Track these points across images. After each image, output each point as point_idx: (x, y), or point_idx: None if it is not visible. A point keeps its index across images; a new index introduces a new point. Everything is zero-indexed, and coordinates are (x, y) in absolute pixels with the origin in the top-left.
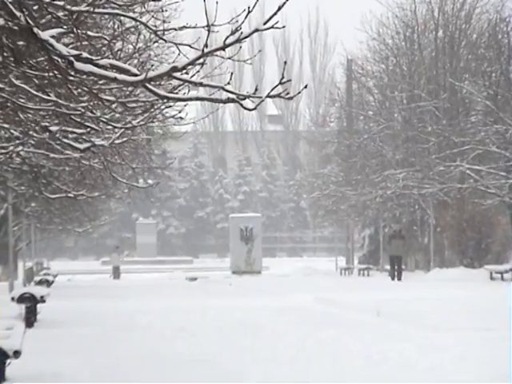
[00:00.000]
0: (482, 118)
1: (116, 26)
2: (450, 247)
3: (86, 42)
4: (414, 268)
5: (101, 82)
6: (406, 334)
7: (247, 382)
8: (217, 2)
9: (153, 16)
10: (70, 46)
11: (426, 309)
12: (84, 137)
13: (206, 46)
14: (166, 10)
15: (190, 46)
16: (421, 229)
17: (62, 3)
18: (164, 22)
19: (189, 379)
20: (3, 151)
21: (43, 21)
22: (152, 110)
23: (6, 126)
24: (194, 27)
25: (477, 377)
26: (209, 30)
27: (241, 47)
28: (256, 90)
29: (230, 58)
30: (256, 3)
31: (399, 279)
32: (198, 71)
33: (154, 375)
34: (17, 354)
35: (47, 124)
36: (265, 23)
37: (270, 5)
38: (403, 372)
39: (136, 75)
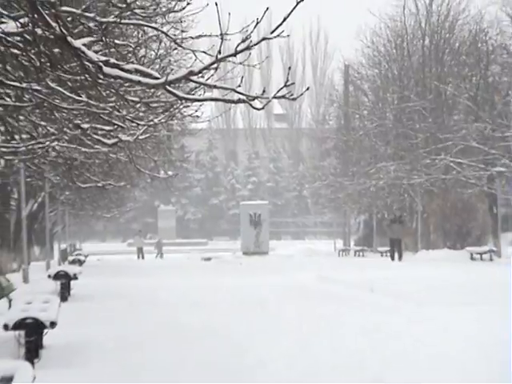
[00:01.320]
0: (463, 117)
1: (140, 35)
2: (435, 231)
3: (113, 49)
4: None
5: (126, 85)
6: (395, 308)
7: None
8: (229, 14)
9: (172, 26)
10: (100, 52)
11: (414, 285)
12: (111, 133)
13: (219, 52)
14: (184, 21)
15: (205, 52)
16: (409, 215)
17: (92, 15)
18: (182, 31)
19: (203, 347)
20: (41, 146)
21: (76, 30)
22: (172, 109)
23: (43, 123)
24: (208, 36)
25: (456, 346)
26: (222, 39)
27: (250, 54)
28: (264, 91)
29: (240, 63)
30: (264, 15)
31: (400, 259)
32: (213, 75)
33: (173, 343)
34: (53, 324)
35: (79, 122)
36: (272, 32)
37: (277, 15)
38: (393, 341)
39: (157, 78)
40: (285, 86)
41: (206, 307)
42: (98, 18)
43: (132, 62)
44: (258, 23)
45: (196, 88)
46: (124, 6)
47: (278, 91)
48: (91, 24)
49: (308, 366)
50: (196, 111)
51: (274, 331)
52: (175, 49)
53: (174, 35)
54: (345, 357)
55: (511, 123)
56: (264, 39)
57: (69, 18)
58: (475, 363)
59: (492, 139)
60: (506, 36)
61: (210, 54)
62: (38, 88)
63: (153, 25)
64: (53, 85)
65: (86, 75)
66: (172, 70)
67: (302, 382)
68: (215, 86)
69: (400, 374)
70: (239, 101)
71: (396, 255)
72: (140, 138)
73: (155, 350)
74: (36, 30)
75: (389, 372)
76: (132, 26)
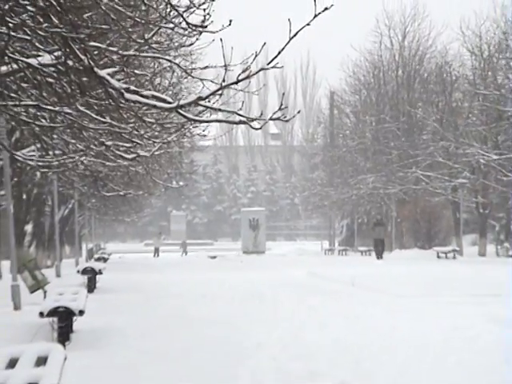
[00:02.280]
0: (431, 136)
1: (156, 66)
2: (407, 234)
3: (133, 78)
4: None
5: (144, 108)
6: (374, 300)
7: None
8: (232, 48)
9: (183, 58)
10: (121, 80)
11: (390, 280)
12: (131, 149)
13: (223, 81)
14: (194, 54)
15: (211, 81)
16: (385, 220)
17: (115, 49)
18: (192, 62)
19: (208, 333)
20: (71, 160)
21: (101, 62)
22: (183, 129)
23: (73, 141)
24: (214, 67)
25: (427, 333)
26: (225, 69)
27: (250, 82)
28: (261, 114)
29: (241, 90)
30: (261, 49)
31: (381, 257)
32: (218, 100)
33: (182, 330)
34: (81, 312)
35: (103, 140)
36: (268, 64)
37: (272, 48)
38: (371, 328)
39: (171, 103)
40: (279, 109)
41: (211, 299)
42: (120, 52)
43: (149, 89)
44: (256, 56)
45: (203, 111)
46: (142, 41)
47: (274, 114)
48: (114, 56)
49: (299, 349)
50: (203, 131)
51: (270, 319)
52: (186, 78)
53: (185, 66)
54: (330, 341)
55: (471, 142)
56: (261, 70)
57: (95, 52)
58: (443, 346)
59: (455, 155)
60: (466, 68)
61: (215, 82)
62: (69, 111)
63: (167, 57)
64: (81, 108)
65: (110, 100)
66: (183, 95)
67: (295, 361)
68: (220, 110)
69: (377, 356)
70: (240, 122)
71: (378, 254)
72: (155, 153)
73: (167, 335)
74: (68, 61)
75: (367, 354)
76: (149, 58)
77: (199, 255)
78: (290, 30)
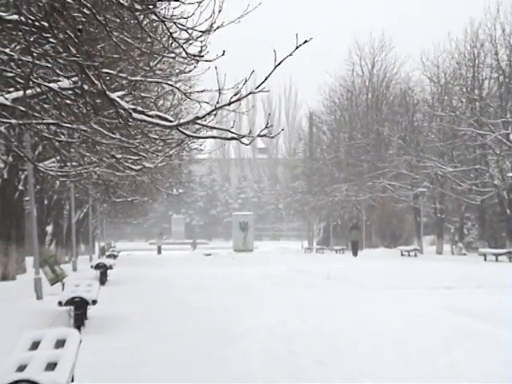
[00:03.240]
0: (396, 151)
1: (159, 90)
2: (375, 235)
3: (139, 100)
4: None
5: (149, 126)
6: (346, 292)
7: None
8: (225, 74)
9: (183, 83)
10: (130, 102)
11: (360, 274)
12: (138, 161)
13: (217, 103)
14: (192, 79)
15: (207, 102)
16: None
17: (124, 75)
18: (190, 87)
19: (204, 319)
20: (86, 171)
21: (112, 86)
22: (182, 144)
23: (87, 154)
24: (209, 90)
25: (392, 319)
26: (219, 93)
27: (240, 103)
28: (250, 131)
29: (233, 111)
30: (250, 75)
31: (356, 255)
32: (212, 119)
33: (181, 316)
34: (94, 302)
35: (114, 153)
36: (256, 88)
37: (260, 74)
38: (344, 315)
39: (172, 122)
40: (265, 127)
41: (206, 289)
42: (128, 77)
43: (153, 110)
44: (246, 82)
45: (200, 129)
46: (148, 68)
47: (261, 131)
48: (124, 81)
49: (283, 333)
50: (200, 146)
51: (257, 307)
52: (185, 100)
53: (185, 90)
54: (309, 326)
55: (430, 156)
56: (250, 93)
57: (107, 77)
58: (405, 330)
59: (416, 168)
60: (426, 93)
61: (210, 104)
62: (85, 128)
63: (169, 82)
64: (95, 126)
65: (120, 119)
66: (182, 115)
67: (279, 344)
68: (214, 128)
69: (349, 339)
70: (232, 138)
71: (354, 253)
72: (159, 165)
73: (169, 320)
74: (83, 86)
75: (341, 337)
76: (153, 83)
77: (195, 253)
78: (275, 60)
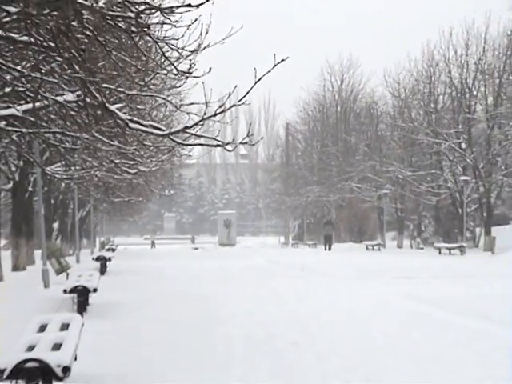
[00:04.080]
0: (362, 157)
1: (153, 102)
2: (344, 231)
3: (135, 111)
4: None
5: (144, 135)
6: (318, 281)
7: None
8: (211, 89)
9: (174, 96)
10: (127, 113)
11: (331, 266)
12: (134, 166)
13: (204, 114)
14: (182, 93)
15: (195, 114)
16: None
17: (122, 89)
18: (180, 100)
19: (192, 305)
20: (88, 174)
21: (112, 99)
22: (173, 150)
23: (89, 159)
24: (197, 103)
25: (359, 306)
26: (206, 105)
27: (225, 115)
28: (233, 139)
29: (218, 121)
30: (234, 90)
31: (330, 249)
32: (200, 128)
33: (173, 303)
34: (95, 290)
35: (113, 158)
36: (239, 101)
37: (242, 88)
38: (317, 302)
39: (164, 131)
40: (247, 136)
41: (195, 279)
42: (126, 91)
43: (148, 120)
44: (229, 95)
45: (189, 137)
46: (143, 83)
47: (243, 139)
48: (121, 95)
49: (261, 318)
50: (189, 152)
51: (239, 295)
52: (176, 111)
53: (175, 102)
54: (284, 313)
55: (392, 162)
56: (233, 106)
57: (107, 92)
58: (372, 315)
59: (380, 172)
60: (388, 106)
61: (198, 115)
62: (87, 136)
63: (161, 96)
64: (96, 134)
65: (118, 128)
66: (173, 125)
67: (258, 327)
68: (201, 136)
69: (321, 323)
70: (217, 145)
71: (327, 246)
72: (152, 169)
73: (161, 306)
74: (86, 99)
75: (314, 321)
76: (148, 97)
77: (185, 247)
78: (256, 76)
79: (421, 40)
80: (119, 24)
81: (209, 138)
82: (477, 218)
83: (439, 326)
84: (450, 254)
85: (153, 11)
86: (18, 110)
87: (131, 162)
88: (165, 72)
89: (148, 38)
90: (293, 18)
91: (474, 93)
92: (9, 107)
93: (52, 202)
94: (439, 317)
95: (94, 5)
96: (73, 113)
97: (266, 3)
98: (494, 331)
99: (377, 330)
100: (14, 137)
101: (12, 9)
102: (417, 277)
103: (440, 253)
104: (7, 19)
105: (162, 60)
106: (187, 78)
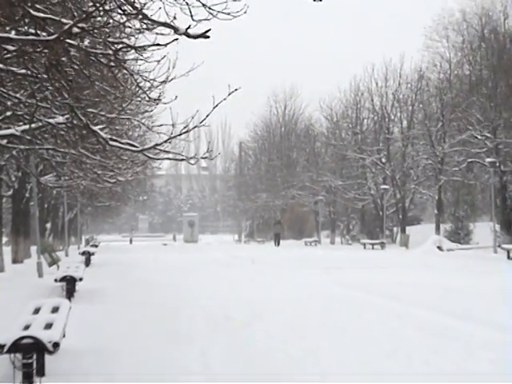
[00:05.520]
0: (301, 169)
1: (129, 124)
2: (287, 230)
3: (114, 131)
4: (270, 240)
5: (121, 150)
6: (266, 270)
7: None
8: (177, 113)
9: (147, 119)
10: (107, 133)
11: (276, 258)
12: (113, 176)
13: (171, 133)
14: (153, 116)
15: (164, 133)
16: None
17: (103, 113)
18: (152, 122)
19: (162, 292)
20: (75, 183)
21: (95, 121)
22: (145, 164)
23: (76, 171)
24: (166, 125)
25: (299, 292)
26: (173, 126)
27: (188, 134)
28: (195, 155)
29: (183, 140)
30: (195, 114)
31: (278, 245)
32: (168, 145)
33: (147, 290)
34: (81, 279)
35: (96, 170)
36: (200, 123)
37: (204, 111)
38: (264, 288)
39: (138, 147)
40: (207, 152)
41: (164, 270)
42: (106, 115)
43: (125, 139)
44: (192, 118)
45: (159, 152)
46: (120, 108)
47: (204, 154)
48: (103, 118)
49: (219, 302)
50: (159, 165)
51: (201, 282)
52: (148, 131)
53: (148, 124)
54: (238, 297)
55: (326, 173)
56: (195, 127)
57: (91, 115)
58: (309, 300)
59: (316, 181)
60: (323, 128)
61: (166, 135)
62: (74, 152)
63: (136, 119)
64: (82, 150)
65: (100, 145)
66: (146, 143)
67: (216, 310)
68: (169, 152)
69: (268, 305)
70: (182, 159)
71: (277, 243)
72: (129, 179)
73: (137, 292)
74: (73, 121)
75: (262, 304)
76: (125, 119)
77: (156, 243)
78: (214, 102)
79: (349, 74)
80: (101, 59)
81: (175, 153)
82: (394, 219)
83: (362, 306)
84: (372, 248)
85: (128, 49)
86: (17, 130)
87: (111, 173)
88: (139, 99)
89: (125, 71)
90: (251, 54)
91: (392, 117)
92: (9, 128)
93: (45, 206)
94: (363, 299)
95: (80, 44)
96: (62, 132)
97: (225, 44)
98: (406, 311)
99: (312, 309)
100: (14, 152)
101: (11, 47)
102: (346, 267)
103: (365, 247)
104: (8, 55)
105: (137, 89)
106: (157, 104)
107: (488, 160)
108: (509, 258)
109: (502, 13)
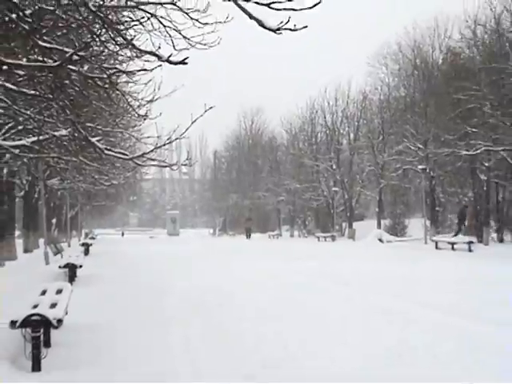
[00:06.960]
0: (266, 174)
1: (122, 136)
2: (254, 225)
3: (109, 143)
4: (240, 234)
5: (115, 158)
6: (239, 259)
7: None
8: (162, 127)
9: (136, 132)
10: (103, 144)
11: (248, 248)
12: (108, 180)
13: (157, 144)
14: (142, 130)
15: (151, 144)
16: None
17: (100, 127)
18: (141, 134)
19: (152, 277)
20: (76, 186)
21: (93, 134)
22: (135, 169)
23: (77, 175)
24: (152, 137)
25: (265, 277)
26: (158, 138)
27: (171, 145)
28: (177, 162)
29: (166, 149)
30: (177, 128)
31: (249, 238)
32: (154, 154)
33: (136, 275)
34: (81, 266)
35: (93, 175)
36: (181, 135)
37: (184, 125)
38: (238, 274)
39: (128, 156)
40: (187, 159)
41: (152, 259)
42: (102, 129)
43: (118, 148)
44: (174, 131)
45: (146, 160)
46: (114, 123)
47: (184, 161)
48: (99, 131)
49: (197, 287)
50: (146, 170)
51: (187, 272)
52: (137, 142)
53: (137, 136)
54: (214, 283)
55: (287, 178)
56: (177, 139)
57: (90, 129)
58: (275, 284)
59: (278, 185)
60: (284, 139)
61: (153, 145)
62: (75, 160)
63: (127, 131)
64: (82, 158)
65: (97, 154)
66: (136, 152)
67: (193, 294)
68: (155, 159)
69: (240, 288)
70: (166, 166)
71: (248, 236)
72: (121, 182)
73: (129, 279)
74: (75, 134)
75: (234, 288)
76: (118, 132)
77: (144, 236)
78: (192, 118)
79: (305, 95)
80: (97, 82)
81: (160, 161)
82: (343, 216)
83: (318, 291)
84: (325, 240)
85: (120, 73)
86: (27, 142)
87: (106, 178)
88: (129, 115)
89: (117, 92)
90: (224, 77)
91: (341, 131)
92: (21, 139)
93: (51, 205)
94: (319, 285)
95: (80, 69)
96: (65, 143)
97: (202, 69)
98: (356, 296)
99: (273, 293)
100: (25, 160)
101: (22, 72)
102: (303, 258)
103: (319, 240)
104: (20, 79)
105: (128, 107)
106: (145, 119)
107: (420, 167)
108: (436, 248)
109: (431, 46)
